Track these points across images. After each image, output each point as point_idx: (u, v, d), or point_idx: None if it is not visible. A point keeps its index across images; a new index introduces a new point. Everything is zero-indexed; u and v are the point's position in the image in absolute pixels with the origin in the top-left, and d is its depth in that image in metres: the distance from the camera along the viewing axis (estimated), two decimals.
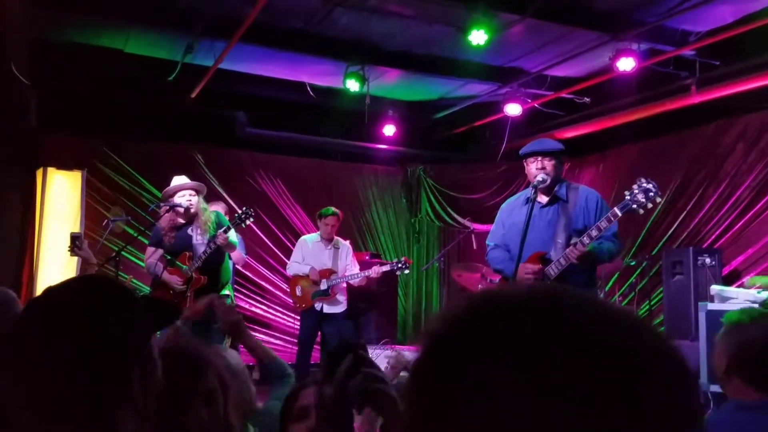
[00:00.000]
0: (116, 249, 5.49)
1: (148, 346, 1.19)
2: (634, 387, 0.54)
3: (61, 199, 6.79)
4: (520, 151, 4.03)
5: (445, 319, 0.62)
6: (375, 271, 6.31)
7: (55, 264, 6.55)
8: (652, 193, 3.54)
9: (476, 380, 0.55)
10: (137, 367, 1.13)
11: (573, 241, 3.64)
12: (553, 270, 3.73)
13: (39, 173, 6.81)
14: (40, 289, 6.48)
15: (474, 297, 0.63)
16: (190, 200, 5.06)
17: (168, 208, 5.09)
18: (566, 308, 0.58)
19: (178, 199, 5.07)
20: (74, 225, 6.68)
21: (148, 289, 5.53)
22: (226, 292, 5.24)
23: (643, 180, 3.58)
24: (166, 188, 5.20)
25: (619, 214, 3.60)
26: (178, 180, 5.23)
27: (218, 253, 5.04)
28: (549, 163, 3.88)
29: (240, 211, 5.08)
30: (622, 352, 0.56)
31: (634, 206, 3.57)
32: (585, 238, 3.59)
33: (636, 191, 3.57)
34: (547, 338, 0.55)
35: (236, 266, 6.73)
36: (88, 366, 1.09)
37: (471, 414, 0.55)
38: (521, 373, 0.54)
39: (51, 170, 6.82)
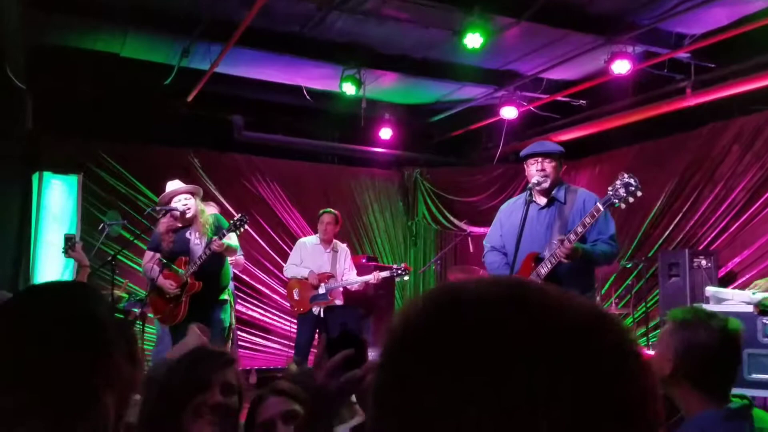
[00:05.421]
0: (112, 253, 5.48)
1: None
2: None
3: (57, 202, 6.79)
4: (521, 153, 4.06)
5: (401, 326, 0.61)
6: (375, 276, 6.29)
7: (51, 267, 6.54)
8: (632, 187, 3.58)
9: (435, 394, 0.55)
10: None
11: (560, 237, 3.65)
12: (543, 268, 3.75)
13: (35, 177, 6.81)
14: None
15: (430, 299, 0.62)
16: (186, 204, 5.00)
17: (164, 212, 5.04)
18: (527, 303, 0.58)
19: (174, 204, 4.99)
20: (70, 229, 6.67)
21: (144, 293, 5.50)
22: (225, 297, 5.17)
23: (624, 175, 3.63)
24: (162, 194, 5.13)
25: (602, 208, 3.63)
26: (173, 185, 5.15)
27: (217, 257, 4.96)
28: (549, 165, 3.91)
29: (235, 218, 5.00)
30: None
31: (616, 201, 3.61)
32: (571, 236, 3.62)
33: (618, 186, 3.62)
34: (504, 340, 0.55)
35: (235, 270, 6.70)
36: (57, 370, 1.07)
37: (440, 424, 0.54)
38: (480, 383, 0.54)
39: (47, 174, 6.82)
